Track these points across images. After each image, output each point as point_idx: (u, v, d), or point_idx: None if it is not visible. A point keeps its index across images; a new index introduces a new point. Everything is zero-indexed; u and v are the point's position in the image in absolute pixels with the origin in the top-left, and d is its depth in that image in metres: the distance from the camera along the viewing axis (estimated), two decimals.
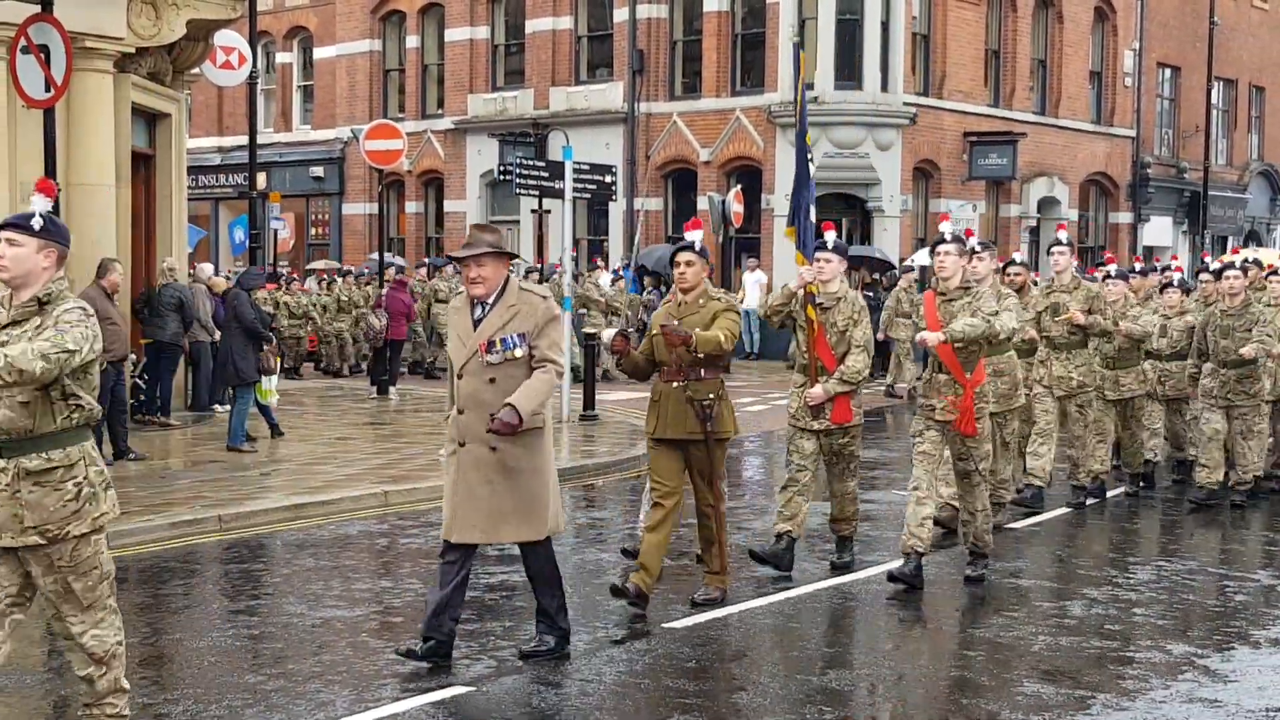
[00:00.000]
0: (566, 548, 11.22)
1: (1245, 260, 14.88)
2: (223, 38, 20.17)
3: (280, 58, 40.54)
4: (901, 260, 28.06)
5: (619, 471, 14.64)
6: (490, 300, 7.60)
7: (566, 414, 18.17)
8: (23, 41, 11.63)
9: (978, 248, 11.22)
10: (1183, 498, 13.54)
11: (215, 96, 39.12)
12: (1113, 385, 13.33)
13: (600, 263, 28.64)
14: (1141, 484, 13.92)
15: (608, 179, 22.09)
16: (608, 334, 8.41)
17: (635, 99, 32.78)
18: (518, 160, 22.12)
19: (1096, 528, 12.43)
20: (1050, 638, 8.59)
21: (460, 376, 7.61)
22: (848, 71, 30.21)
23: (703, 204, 30.15)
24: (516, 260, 8.48)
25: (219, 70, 21.28)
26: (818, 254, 9.78)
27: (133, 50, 17.01)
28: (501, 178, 28.89)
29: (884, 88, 30.40)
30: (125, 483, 13.35)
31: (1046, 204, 35.75)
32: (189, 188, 20.84)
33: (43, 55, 11.52)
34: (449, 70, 36.61)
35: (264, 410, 16.47)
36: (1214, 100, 41.67)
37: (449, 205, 36.44)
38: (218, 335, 17.37)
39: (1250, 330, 12.81)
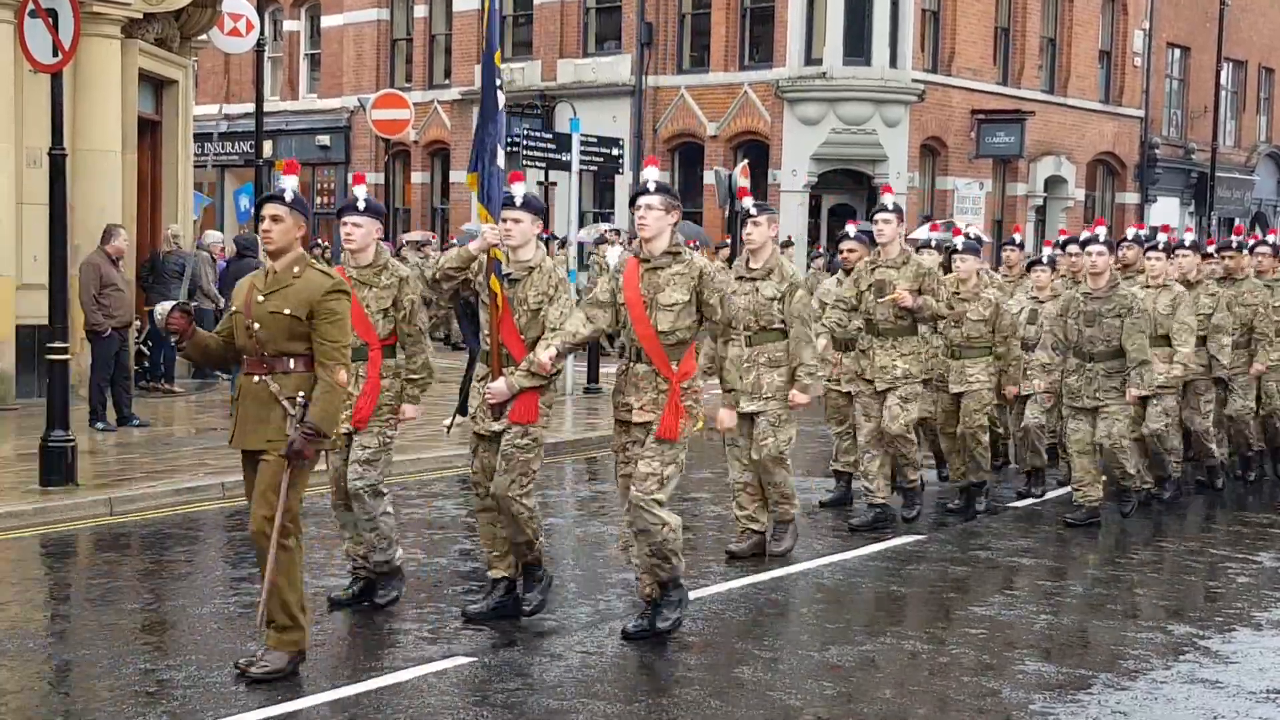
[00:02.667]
0: (569, 520, 11.23)
1: (1140, 235, 13.23)
2: (230, 4, 20.08)
3: (288, 25, 40.42)
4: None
5: None
6: None
7: (571, 387, 18.16)
8: (30, 5, 11.58)
9: (753, 210, 9.64)
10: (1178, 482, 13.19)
11: (222, 63, 39.02)
12: (958, 377, 11.46)
13: (611, 236, 28.46)
14: (974, 501, 11.65)
15: (614, 152, 22.10)
16: (161, 308, 6.99)
17: (643, 72, 32.69)
18: (524, 132, 22.08)
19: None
20: (1052, 617, 8.60)
21: None
22: (856, 47, 30.12)
23: (709, 178, 30.10)
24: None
25: (226, 37, 21.18)
26: (505, 212, 7.79)
27: (140, 16, 16.96)
28: (508, 149, 28.85)
29: (892, 64, 30.32)
30: (129, 449, 13.37)
31: (1053, 183, 35.68)
32: (195, 155, 20.81)
33: (50, 19, 11.48)
34: (457, 40, 36.51)
35: None
36: (1223, 81, 41.52)
37: (455, 176, 36.37)
38: (222, 302, 17.34)
39: (1119, 318, 10.92)
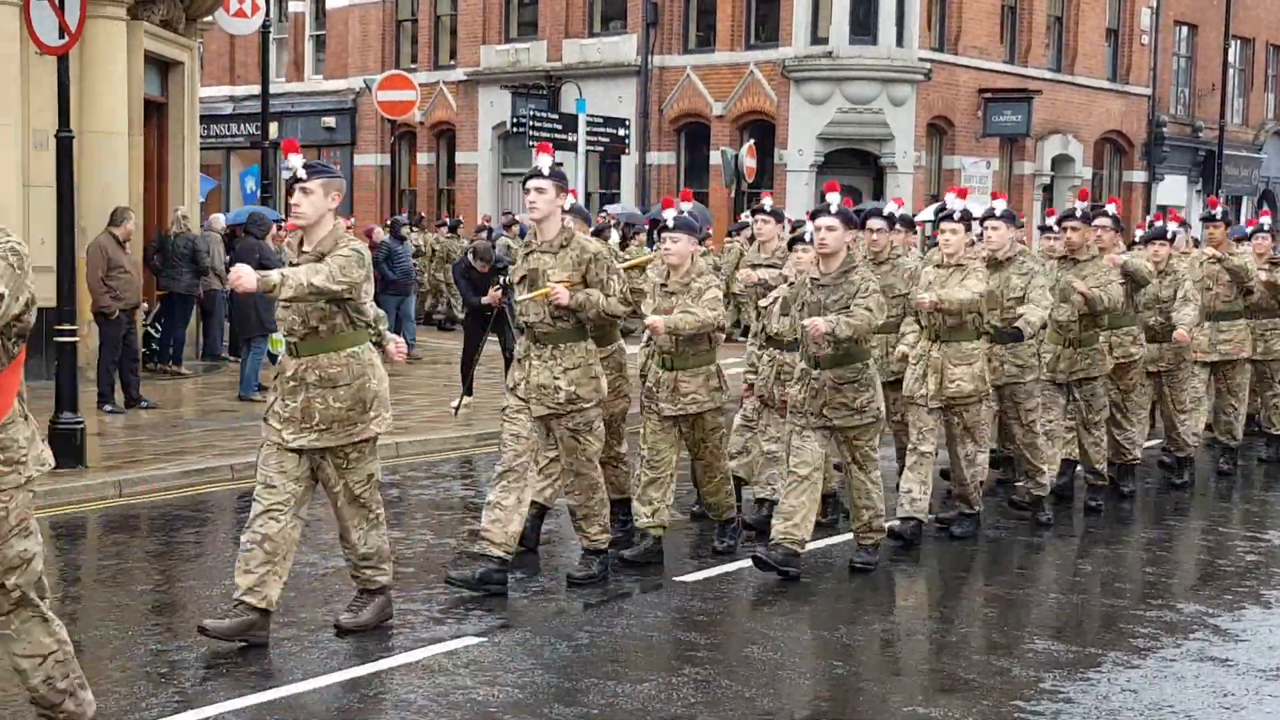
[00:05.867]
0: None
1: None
2: None
3: (293, 6, 40.35)
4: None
5: None
6: None
7: None
8: None
9: (302, 174, 7.08)
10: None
11: (227, 45, 38.96)
12: (670, 395, 8.87)
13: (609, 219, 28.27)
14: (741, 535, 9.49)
15: (621, 132, 22.10)
16: None
17: (649, 52, 32.61)
18: (530, 112, 22.09)
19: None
20: (1061, 595, 8.60)
21: None
22: (863, 26, 30.02)
23: (715, 158, 30.07)
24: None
25: (232, 18, 21.20)
26: None
27: None
28: (514, 130, 28.87)
29: (899, 43, 30.21)
30: (138, 431, 13.39)
31: (1060, 162, 35.60)
32: (201, 137, 20.81)
33: (56, 2, 11.47)
34: (462, 21, 36.43)
35: (275, 360, 16.48)
36: (1230, 59, 41.39)
37: (460, 157, 36.34)
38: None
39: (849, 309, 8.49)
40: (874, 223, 10.52)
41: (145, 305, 16.48)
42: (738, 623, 7.84)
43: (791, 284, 9.03)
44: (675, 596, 8.27)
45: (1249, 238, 13.66)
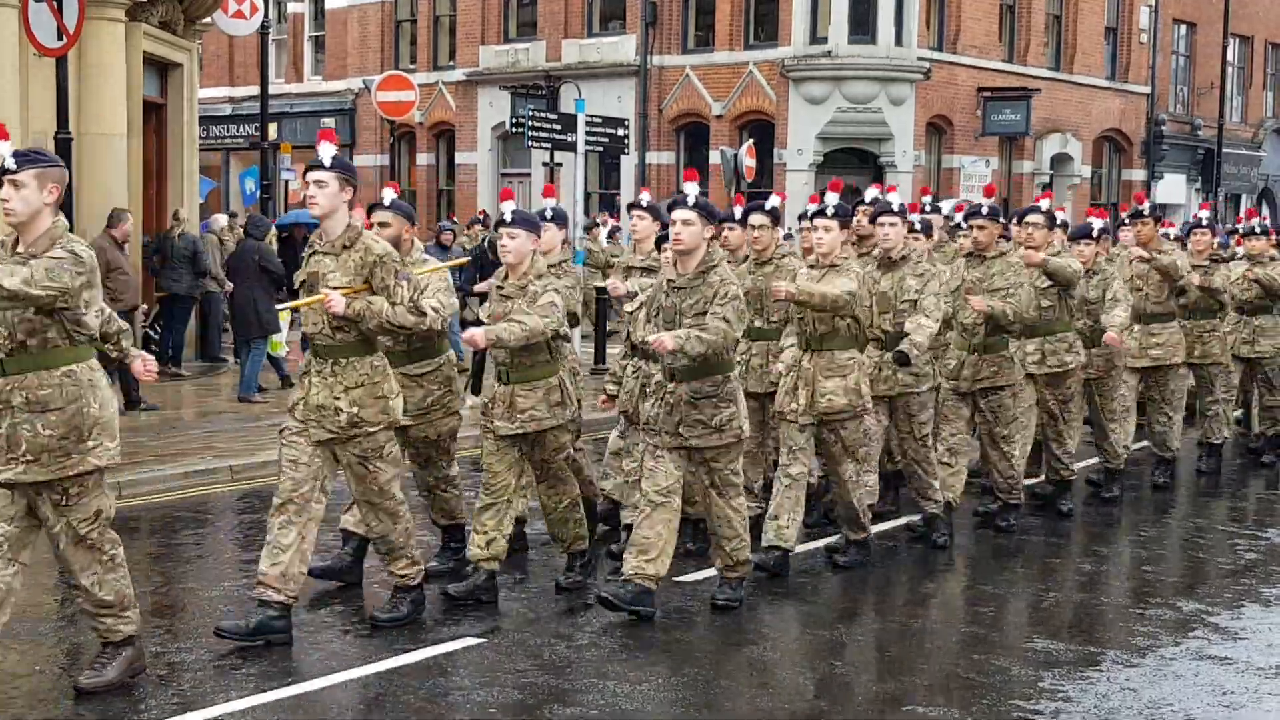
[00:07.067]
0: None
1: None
2: None
3: (292, 7, 40.35)
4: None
5: None
6: None
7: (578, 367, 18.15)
8: None
9: (11, 164, 6.12)
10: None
11: (226, 46, 38.97)
12: (507, 412, 7.93)
13: (602, 219, 28.31)
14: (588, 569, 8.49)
15: (620, 132, 22.08)
16: None
17: (648, 52, 32.62)
18: (530, 113, 22.08)
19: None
20: (1060, 594, 8.60)
21: None
22: (862, 25, 30.02)
23: (715, 158, 30.06)
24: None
25: (230, 19, 21.20)
26: None
27: None
28: (513, 130, 28.85)
29: (898, 42, 30.21)
30: (137, 432, 13.38)
31: (1060, 160, 35.61)
32: (200, 138, 20.81)
33: (55, 3, 11.49)
34: (461, 21, 36.45)
35: (274, 361, 16.52)
36: (1229, 57, 41.38)
37: (460, 157, 36.34)
38: (229, 286, 17.32)
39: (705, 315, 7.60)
40: (755, 218, 9.61)
41: (144, 307, 16.48)
42: (737, 623, 7.84)
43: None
44: (674, 597, 8.27)
45: (1188, 235, 12.87)
